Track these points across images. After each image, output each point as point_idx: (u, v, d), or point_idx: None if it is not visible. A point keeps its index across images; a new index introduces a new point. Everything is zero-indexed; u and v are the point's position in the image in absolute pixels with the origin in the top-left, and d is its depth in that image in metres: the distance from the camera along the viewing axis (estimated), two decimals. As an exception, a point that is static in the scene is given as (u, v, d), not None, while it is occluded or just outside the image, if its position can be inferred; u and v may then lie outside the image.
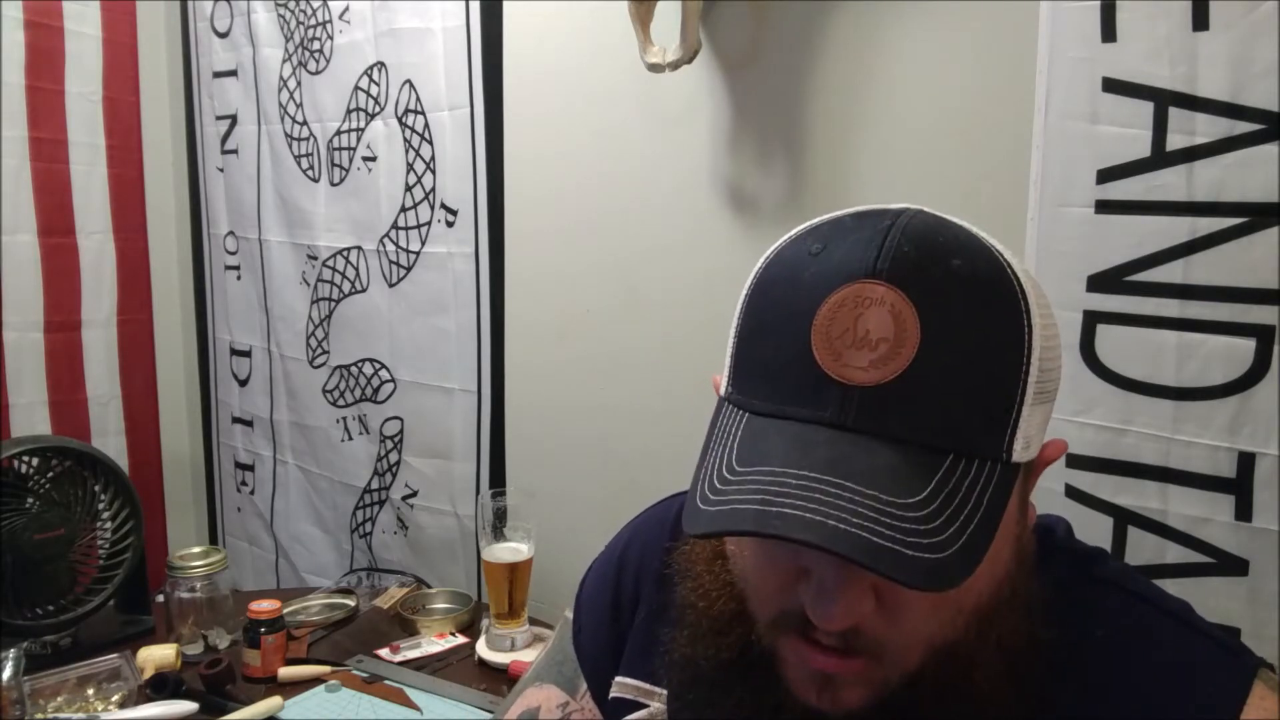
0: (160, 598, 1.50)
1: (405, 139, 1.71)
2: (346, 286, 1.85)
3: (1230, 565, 0.94)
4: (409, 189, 1.72)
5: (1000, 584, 0.51)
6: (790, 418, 0.48)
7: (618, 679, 0.70)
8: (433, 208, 1.69)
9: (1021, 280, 0.49)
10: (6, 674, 1.16)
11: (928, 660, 0.51)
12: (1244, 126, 0.89)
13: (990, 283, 0.48)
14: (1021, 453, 0.48)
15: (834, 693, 0.52)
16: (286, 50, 1.88)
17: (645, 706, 0.67)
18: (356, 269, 1.83)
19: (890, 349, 0.45)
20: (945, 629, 0.51)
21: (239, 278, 2.09)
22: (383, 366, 1.82)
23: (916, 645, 0.51)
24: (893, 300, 0.46)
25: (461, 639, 1.48)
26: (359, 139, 1.77)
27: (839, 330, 0.47)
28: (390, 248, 1.76)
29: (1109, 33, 0.96)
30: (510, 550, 1.40)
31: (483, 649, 1.41)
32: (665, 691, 0.66)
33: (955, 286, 0.47)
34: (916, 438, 0.46)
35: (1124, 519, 1.01)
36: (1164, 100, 0.94)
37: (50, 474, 1.41)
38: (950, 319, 0.46)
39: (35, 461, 1.40)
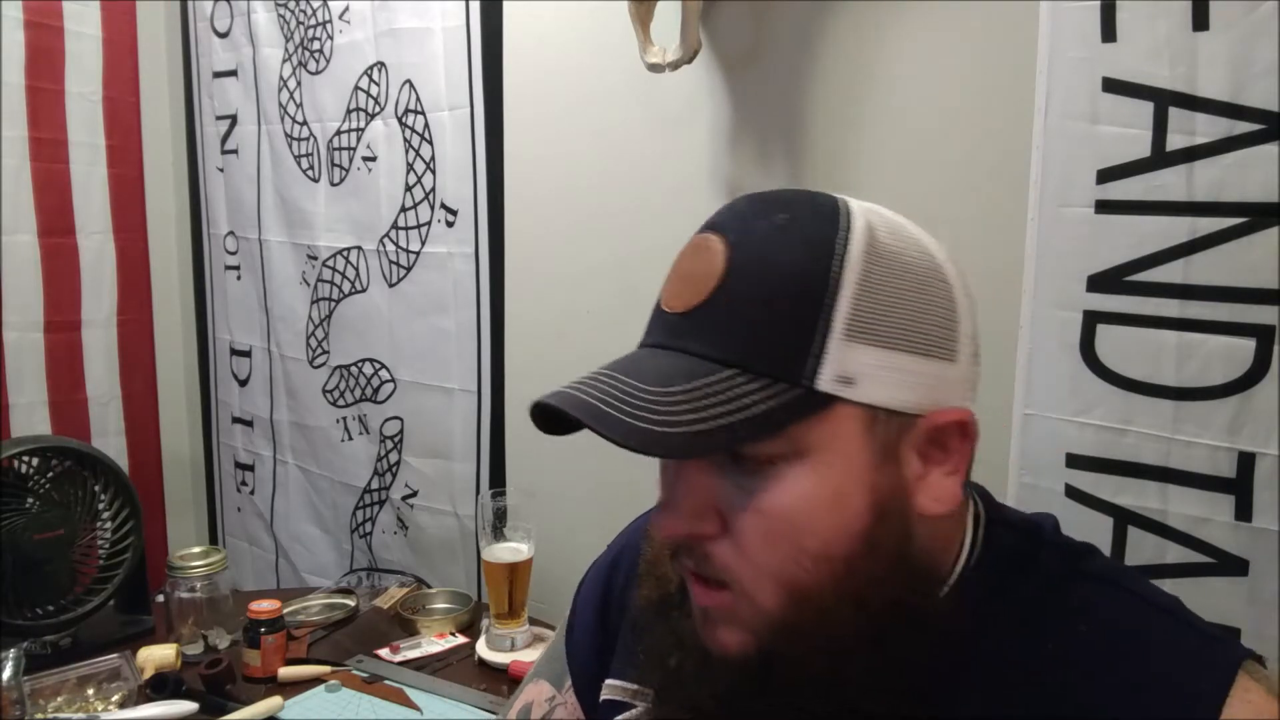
0: (160, 598, 1.50)
1: (405, 139, 1.71)
2: (346, 286, 1.85)
3: (1230, 565, 0.94)
4: (409, 189, 1.72)
5: (854, 536, 0.52)
6: (642, 345, 0.58)
7: (608, 682, 0.70)
8: (433, 208, 1.69)
9: (852, 240, 0.53)
10: (6, 674, 1.15)
11: (789, 607, 0.52)
12: (1244, 126, 0.89)
13: (807, 233, 0.53)
14: (838, 386, 0.51)
15: (713, 630, 0.55)
16: (286, 50, 1.88)
17: (635, 707, 0.68)
18: (356, 269, 1.83)
19: (700, 283, 0.53)
20: (790, 567, 0.52)
21: (239, 278, 2.09)
22: (383, 366, 1.82)
23: (765, 580, 0.53)
24: (713, 244, 0.54)
25: (461, 639, 1.48)
26: (359, 139, 1.77)
27: (675, 272, 0.57)
28: (390, 248, 1.76)
29: (1109, 33, 0.96)
30: (510, 550, 1.40)
31: (483, 649, 1.41)
32: (652, 690, 0.67)
33: (769, 235, 0.54)
34: (708, 352, 0.52)
35: (1124, 519, 1.01)
36: (1164, 100, 0.94)
37: (50, 474, 1.41)
38: (754, 258, 0.53)
39: (35, 461, 1.40)
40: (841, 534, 0.52)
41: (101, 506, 1.46)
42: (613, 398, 0.51)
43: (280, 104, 1.91)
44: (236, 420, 2.16)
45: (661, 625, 0.60)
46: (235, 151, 2.05)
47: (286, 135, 1.91)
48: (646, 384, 0.52)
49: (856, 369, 0.51)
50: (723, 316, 0.52)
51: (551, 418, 0.54)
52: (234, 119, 2.04)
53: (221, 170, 2.09)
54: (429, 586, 1.73)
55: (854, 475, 0.52)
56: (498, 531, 1.41)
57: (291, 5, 1.84)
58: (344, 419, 1.90)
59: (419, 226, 1.71)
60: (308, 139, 1.87)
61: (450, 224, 1.67)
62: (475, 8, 1.58)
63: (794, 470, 0.51)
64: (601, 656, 0.72)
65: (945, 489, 0.55)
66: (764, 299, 0.52)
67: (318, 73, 1.82)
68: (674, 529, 0.54)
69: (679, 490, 0.54)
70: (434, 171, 1.68)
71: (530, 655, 1.37)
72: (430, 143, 1.67)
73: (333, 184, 1.84)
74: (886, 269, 0.53)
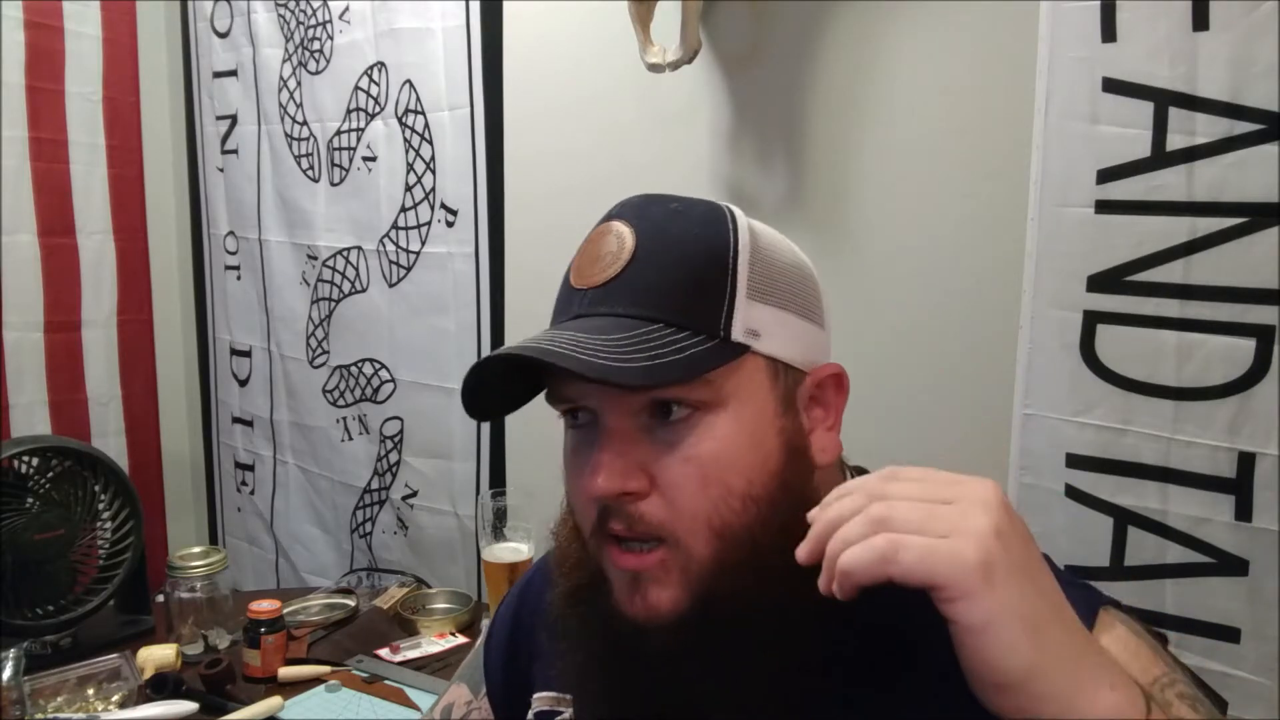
0: (160, 598, 1.50)
1: (405, 139, 1.71)
2: (346, 286, 1.85)
3: (1230, 565, 0.94)
4: (409, 189, 1.72)
5: (771, 475, 0.57)
6: (561, 321, 0.61)
7: (536, 695, 0.73)
8: (433, 208, 1.69)
9: (738, 221, 0.61)
10: (6, 674, 1.16)
11: (722, 552, 0.56)
12: (1244, 126, 0.89)
13: (701, 217, 0.61)
14: (747, 337, 0.58)
15: (644, 595, 0.57)
16: (286, 50, 1.88)
17: (563, 713, 0.72)
18: (356, 269, 1.83)
19: (614, 258, 0.59)
20: (722, 509, 0.56)
21: (239, 278, 2.09)
22: (383, 366, 1.82)
23: (699, 527, 0.56)
24: (617, 228, 0.60)
25: (461, 639, 1.48)
26: (359, 139, 1.77)
27: (584, 258, 0.61)
28: (390, 248, 1.76)
29: (1109, 33, 0.96)
30: (510, 550, 1.40)
31: (483, 649, 1.41)
32: (573, 685, 0.70)
33: (668, 217, 0.60)
34: (634, 312, 0.57)
35: (1124, 519, 1.01)
36: (1164, 100, 0.94)
37: (50, 474, 1.41)
38: (659, 234, 0.59)
39: (35, 461, 1.40)
40: (761, 473, 0.57)
41: (101, 506, 1.46)
42: (573, 345, 0.55)
43: (280, 104, 1.91)
44: (236, 420, 2.16)
45: (586, 609, 0.62)
46: (235, 151, 2.05)
47: (286, 135, 1.91)
48: (590, 335, 0.56)
49: (759, 324, 0.58)
50: (641, 283, 0.58)
51: (477, 397, 0.60)
52: (234, 119, 2.04)
53: (221, 170, 2.09)
54: (429, 586, 1.73)
55: (765, 420, 0.58)
56: (498, 531, 1.41)
57: (291, 5, 1.84)
58: (344, 419, 1.90)
59: (419, 226, 1.71)
60: (308, 139, 1.87)
61: (450, 224, 1.67)
62: (475, 8, 1.58)
63: (714, 418, 0.56)
64: (509, 673, 0.77)
65: (829, 440, 0.62)
66: (678, 265, 0.58)
67: (318, 73, 1.82)
68: (606, 487, 0.56)
69: (605, 454, 0.57)
70: (434, 171, 1.68)
71: (530, 655, 1.37)
72: (430, 143, 1.67)
73: (333, 184, 1.84)
74: (767, 244, 0.61)
